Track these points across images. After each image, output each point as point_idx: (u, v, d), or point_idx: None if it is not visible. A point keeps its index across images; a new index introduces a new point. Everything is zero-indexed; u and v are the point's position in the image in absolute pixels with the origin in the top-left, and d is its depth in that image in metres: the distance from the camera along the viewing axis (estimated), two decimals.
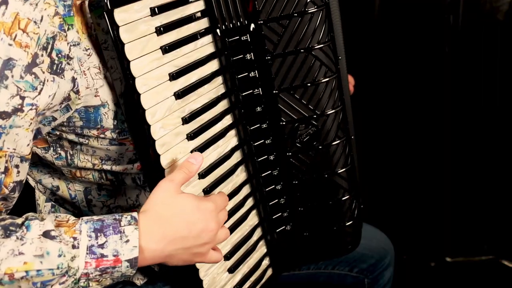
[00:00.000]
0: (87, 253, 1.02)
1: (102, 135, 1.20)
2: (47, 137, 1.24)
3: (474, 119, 2.66)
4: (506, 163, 2.68)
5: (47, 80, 1.05)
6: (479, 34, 2.53)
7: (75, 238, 1.02)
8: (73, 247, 1.01)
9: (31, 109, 1.04)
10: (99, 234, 1.04)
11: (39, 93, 1.05)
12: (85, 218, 1.06)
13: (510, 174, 2.69)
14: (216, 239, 1.14)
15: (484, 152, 2.71)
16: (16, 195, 1.10)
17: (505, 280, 2.61)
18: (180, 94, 1.15)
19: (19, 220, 1.02)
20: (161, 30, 1.11)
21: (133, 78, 1.08)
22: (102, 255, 1.03)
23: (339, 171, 1.37)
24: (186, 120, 1.17)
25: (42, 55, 1.04)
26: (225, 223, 1.21)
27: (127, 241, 1.04)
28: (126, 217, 1.06)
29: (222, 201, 1.17)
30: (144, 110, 1.10)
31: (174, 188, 1.10)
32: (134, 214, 1.07)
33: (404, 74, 2.65)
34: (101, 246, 1.03)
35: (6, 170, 1.06)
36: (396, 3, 2.56)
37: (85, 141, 1.22)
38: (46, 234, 1.01)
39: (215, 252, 1.18)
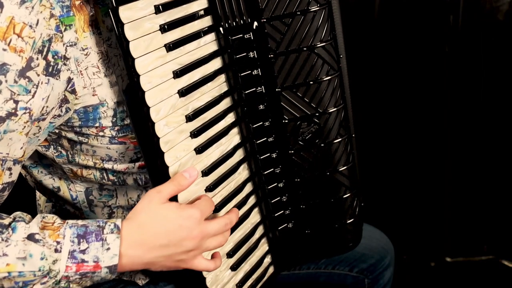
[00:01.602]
0: (68, 258, 1.05)
1: (101, 133, 1.21)
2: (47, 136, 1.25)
3: (474, 119, 2.65)
4: (506, 163, 2.68)
5: (41, 83, 1.06)
6: (479, 34, 2.53)
7: (58, 242, 1.05)
8: (56, 251, 1.04)
9: (24, 112, 1.05)
10: (81, 240, 1.06)
11: (33, 96, 1.05)
12: (70, 222, 1.08)
13: (510, 174, 2.69)
14: (203, 246, 1.15)
15: (484, 152, 2.70)
16: (6, 193, 1.12)
17: (505, 280, 2.61)
18: (184, 92, 1.16)
19: (6, 221, 1.05)
20: (165, 28, 1.11)
21: (138, 76, 1.08)
22: (83, 260, 1.06)
23: (340, 169, 1.37)
24: (189, 118, 1.18)
25: (37, 59, 1.04)
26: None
27: (108, 249, 1.07)
28: (109, 225, 1.09)
29: (208, 205, 1.17)
30: (148, 108, 1.10)
31: (160, 198, 1.12)
32: (118, 221, 1.10)
33: (404, 74, 2.65)
34: (83, 251, 1.06)
35: None
36: (396, 3, 2.56)
37: (84, 140, 1.23)
38: (31, 237, 1.03)
39: (204, 260, 1.18)
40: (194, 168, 1.17)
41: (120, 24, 1.05)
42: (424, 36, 2.55)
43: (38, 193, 1.49)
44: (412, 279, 2.65)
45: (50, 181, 1.37)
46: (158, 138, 1.13)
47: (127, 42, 1.06)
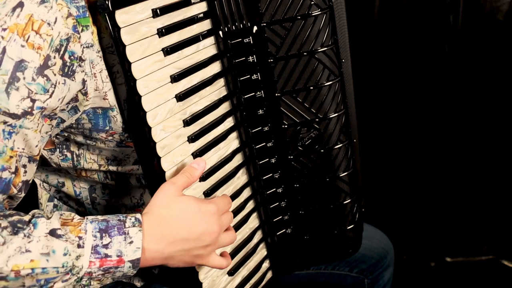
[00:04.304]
0: (91, 253, 1.03)
1: (110, 137, 1.20)
2: (54, 138, 1.25)
3: (474, 119, 2.66)
4: (506, 163, 2.68)
5: (59, 83, 1.06)
6: (479, 34, 2.53)
7: (80, 238, 1.03)
8: (78, 246, 1.03)
9: (40, 111, 1.05)
10: (104, 235, 1.05)
11: (50, 96, 1.05)
12: (90, 217, 1.07)
13: (510, 174, 2.69)
14: (219, 241, 1.15)
15: (484, 152, 2.70)
16: (22, 195, 1.11)
17: (505, 280, 2.61)
18: (181, 96, 1.15)
19: (26, 217, 1.03)
20: (162, 32, 1.10)
21: (134, 80, 1.07)
22: (106, 255, 1.04)
23: (341, 175, 1.36)
24: (187, 123, 1.17)
25: (54, 57, 1.04)
26: None
27: (131, 242, 1.05)
28: (130, 219, 1.07)
29: (225, 203, 1.18)
30: (145, 112, 1.09)
31: (175, 191, 1.11)
32: (138, 215, 1.08)
33: (404, 74, 2.65)
34: (106, 246, 1.04)
35: (16, 170, 1.07)
36: (396, 3, 2.55)
37: (92, 143, 1.23)
38: (53, 233, 1.02)
39: (219, 257, 1.18)
40: (202, 159, 1.17)
41: (117, 28, 1.04)
42: (424, 37, 2.54)
43: (40, 192, 1.50)
44: (412, 279, 2.65)
45: (55, 176, 1.38)
46: (155, 143, 1.12)
47: (124, 46, 1.05)
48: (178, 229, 1.09)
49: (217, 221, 1.13)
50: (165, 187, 1.11)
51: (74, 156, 1.28)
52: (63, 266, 1.01)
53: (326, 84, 1.27)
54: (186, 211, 1.10)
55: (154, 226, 1.08)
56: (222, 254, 1.24)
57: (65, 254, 1.01)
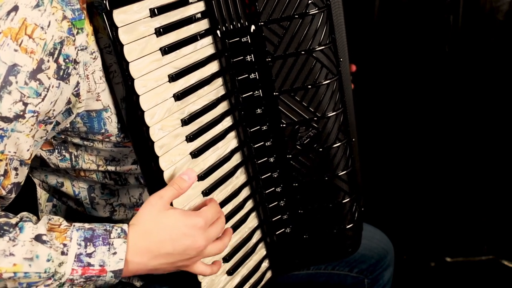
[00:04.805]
0: (74, 261, 1.04)
1: (106, 139, 1.20)
2: (52, 140, 1.25)
3: (474, 119, 2.65)
4: (506, 163, 2.68)
5: (52, 86, 1.05)
6: (479, 34, 2.53)
7: (65, 245, 1.04)
8: (62, 253, 1.03)
9: (32, 116, 1.05)
10: (88, 243, 1.06)
11: (43, 100, 1.05)
12: (77, 225, 1.08)
13: (509, 174, 2.68)
14: (205, 253, 1.15)
15: (484, 152, 2.70)
16: (13, 196, 1.12)
17: (505, 280, 2.61)
18: (179, 96, 1.14)
19: (13, 220, 1.04)
20: (160, 31, 1.10)
21: (132, 80, 1.07)
22: (89, 264, 1.05)
23: (339, 174, 1.36)
24: (185, 122, 1.17)
25: (48, 61, 1.04)
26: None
27: (115, 253, 1.06)
28: (116, 229, 1.08)
29: (214, 212, 1.16)
30: (143, 112, 1.09)
31: (162, 205, 1.11)
32: (125, 226, 1.09)
33: (404, 74, 2.65)
34: (89, 255, 1.05)
35: (5, 173, 1.07)
36: (396, 3, 2.55)
37: (89, 144, 1.23)
38: (38, 238, 1.03)
39: (203, 265, 1.18)
40: (192, 170, 1.16)
41: (115, 28, 1.04)
42: (424, 36, 2.54)
43: (39, 192, 1.50)
44: (412, 279, 2.65)
45: (54, 176, 1.37)
46: (153, 142, 1.12)
47: (121, 45, 1.05)
48: (163, 244, 1.09)
49: (203, 235, 1.12)
50: (152, 200, 1.11)
51: (73, 156, 1.27)
52: (45, 272, 1.02)
53: (324, 82, 1.27)
54: (170, 226, 1.10)
55: (139, 239, 1.09)
56: (214, 262, 1.24)
57: (48, 260, 1.02)
